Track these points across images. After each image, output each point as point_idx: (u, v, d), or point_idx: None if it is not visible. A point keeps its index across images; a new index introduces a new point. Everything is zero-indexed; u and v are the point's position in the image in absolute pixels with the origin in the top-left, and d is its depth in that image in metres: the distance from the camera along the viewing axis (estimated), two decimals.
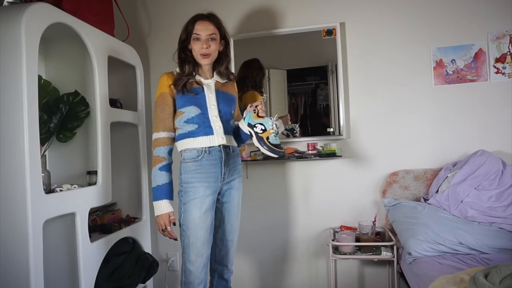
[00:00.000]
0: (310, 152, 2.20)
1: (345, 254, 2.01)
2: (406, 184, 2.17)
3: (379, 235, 2.14)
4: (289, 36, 2.31)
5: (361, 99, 2.27)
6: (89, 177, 1.93)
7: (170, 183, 1.62)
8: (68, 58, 2.03)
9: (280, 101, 2.37)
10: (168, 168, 1.63)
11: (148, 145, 2.27)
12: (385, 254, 1.95)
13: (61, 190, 1.67)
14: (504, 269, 1.13)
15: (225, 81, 1.77)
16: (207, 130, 1.63)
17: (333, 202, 2.30)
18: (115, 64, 2.07)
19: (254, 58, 2.35)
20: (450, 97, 2.17)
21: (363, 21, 2.26)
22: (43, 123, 1.76)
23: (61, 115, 1.89)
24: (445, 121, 2.18)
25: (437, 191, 2.04)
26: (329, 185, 2.32)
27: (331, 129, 2.28)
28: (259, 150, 1.63)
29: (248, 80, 2.32)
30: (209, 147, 1.63)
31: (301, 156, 2.21)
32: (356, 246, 2.01)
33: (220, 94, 1.71)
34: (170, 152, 1.65)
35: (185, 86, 1.64)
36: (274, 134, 1.62)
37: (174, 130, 1.68)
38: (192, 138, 1.63)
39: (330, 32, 2.25)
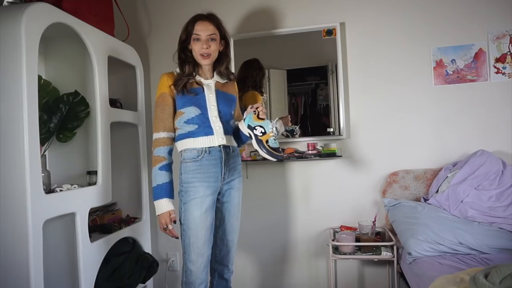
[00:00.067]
0: (310, 152, 2.20)
1: (345, 254, 2.01)
2: (406, 184, 2.17)
3: (379, 235, 2.14)
4: (289, 36, 2.31)
5: (361, 99, 2.27)
6: (89, 177, 1.93)
7: (171, 182, 1.62)
8: (68, 58, 2.03)
9: (280, 101, 2.37)
10: (168, 167, 1.63)
11: (148, 145, 2.27)
12: (385, 254, 1.95)
13: (61, 190, 1.67)
14: (504, 269, 1.13)
15: (225, 81, 1.77)
16: (207, 130, 1.64)
17: (333, 202, 2.30)
18: (115, 64, 2.07)
19: (254, 58, 2.35)
20: (450, 97, 2.17)
21: (363, 21, 2.26)
22: (43, 123, 1.76)
23: (61, 115, 1.89)
24: (445, 121, 2.18)
25: (437, 191, 2.04)
26: (329, 185, 2.32)
27: (331, 129, 2.28)
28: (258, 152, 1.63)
29: (248, 80, 2.32)
30: (209, 147, 1.63)
31: (301, 156, 2.21)
32: (356, 246, 2.01)
33: (220, 95, 1.71)
34: (170, 152, 1.65)
35: (185, 86, 1.64)
36: (274, 138, 1.61)
37: (174, 130, 1.69)
38: (192, 138, 1.64)
39: (330, 32, 2.25)
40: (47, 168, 1.94)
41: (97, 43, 1.87)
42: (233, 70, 2.26)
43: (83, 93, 1.95)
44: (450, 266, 1.60)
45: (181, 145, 1.67)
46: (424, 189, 2.16)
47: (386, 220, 2.19)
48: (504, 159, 2.02)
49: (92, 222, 1.98)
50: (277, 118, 1.68)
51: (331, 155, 2.18)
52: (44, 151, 1.89)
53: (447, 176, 2.03)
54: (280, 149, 1.64)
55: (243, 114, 1.74)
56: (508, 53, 2.11)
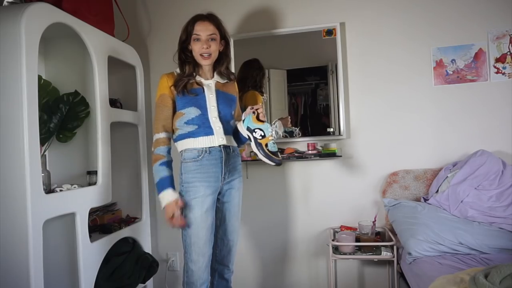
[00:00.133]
0: (310, 152, 2.20)
1: (345, 254, 2.01)
2: (406, 184, 2.17)
3: (379, 235, 2.14)
4: (289, 36, 2.31)
5: (361, 99, 2.27)
6: (89, 177, 1.93)
7: (172, 177, 1.62)
8: (68, 58, 2.03)
9: (280, 101, 2.37)
10: (168, 164, 1.63)
11: (148, 145, 2.27)
12: (385, 254, 1.94)
13: (61, 190, 1.67)
14: (504, 269, 1.13)
15: (225, 81, 1.77)
16: (207, 130, 1.64)
17: (333, 202, 2.30)
18: (115, 64, 2.07)
19: (254, 58, 2.35)
20: (450, 97, 2.17)
21: (363, 21, 2.26)
22: (43, 123, 1.76)
23: (61, 115, 1.89)
24: (445, 121, 2.18)
25: (437, 191, 2.04)
26: (329, 185, 2.32)
27: (331, 129, 2.28)
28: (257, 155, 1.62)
29: (248, 80, 2.32)
30: (209, 147, 1.63)
31: (301, 156, 2.21)
32: (356, 246, 2.01)
33: (221, 95, 1.71)
34: (169, 151, 1.66)
35: (186, 87, 1.64)
36: (273, 141, 1.61)
37: (173, 130, 1.69)
38: (193, 138, 1.64)
39: (330, 32, 2.25)
40: (47, 168, 1.94)
41: (97, 43, 1.87)
42: (233, 70, 2.26)
43: (83, 93, 1.95)
44: (450, 266, 1.60)
45: (181, 145, 1.67)
46: (424, 189, 2.15)
47: (386, 220, 2.19)
48: (504, 159, 2.02)
49: (92, 222, 1.98)
50: (276, 120, 1.68)
51: (331, 155, 2.18)
52: (44, 151, 1.89)
53: (447, 176, 2.03)
54: (279, 153, 1.63)
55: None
56: (508, 53, 2.11)
